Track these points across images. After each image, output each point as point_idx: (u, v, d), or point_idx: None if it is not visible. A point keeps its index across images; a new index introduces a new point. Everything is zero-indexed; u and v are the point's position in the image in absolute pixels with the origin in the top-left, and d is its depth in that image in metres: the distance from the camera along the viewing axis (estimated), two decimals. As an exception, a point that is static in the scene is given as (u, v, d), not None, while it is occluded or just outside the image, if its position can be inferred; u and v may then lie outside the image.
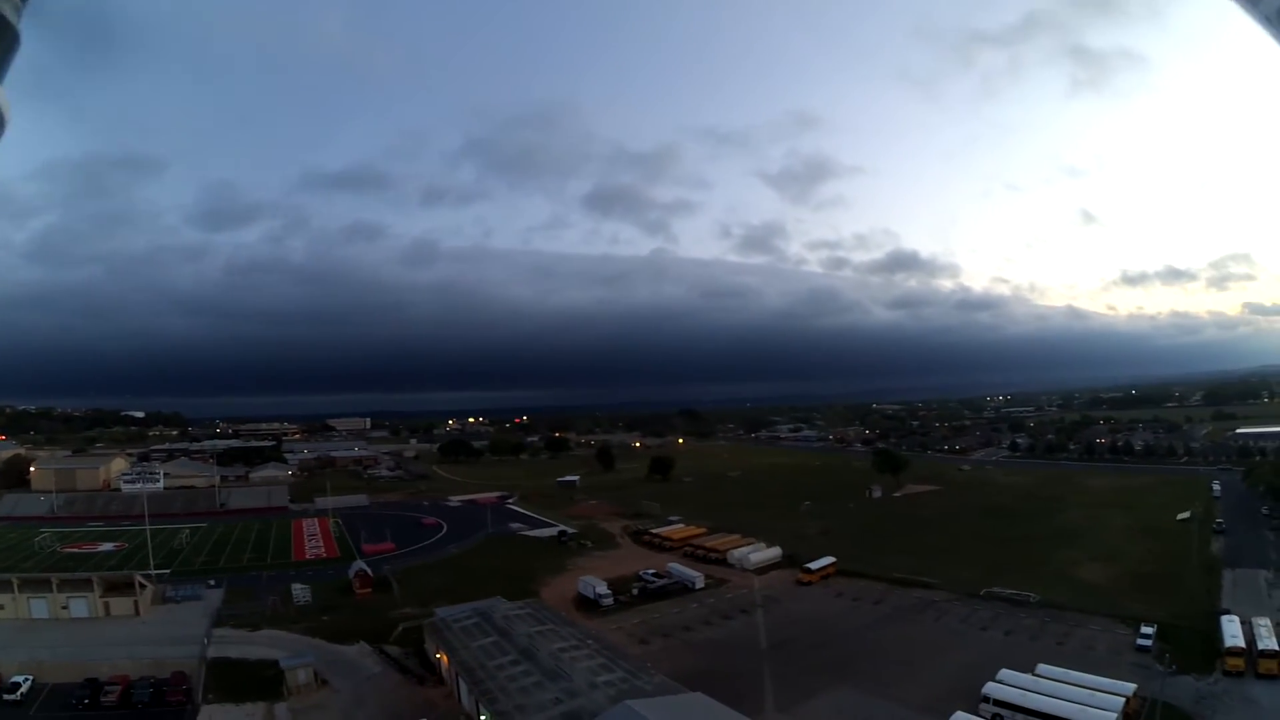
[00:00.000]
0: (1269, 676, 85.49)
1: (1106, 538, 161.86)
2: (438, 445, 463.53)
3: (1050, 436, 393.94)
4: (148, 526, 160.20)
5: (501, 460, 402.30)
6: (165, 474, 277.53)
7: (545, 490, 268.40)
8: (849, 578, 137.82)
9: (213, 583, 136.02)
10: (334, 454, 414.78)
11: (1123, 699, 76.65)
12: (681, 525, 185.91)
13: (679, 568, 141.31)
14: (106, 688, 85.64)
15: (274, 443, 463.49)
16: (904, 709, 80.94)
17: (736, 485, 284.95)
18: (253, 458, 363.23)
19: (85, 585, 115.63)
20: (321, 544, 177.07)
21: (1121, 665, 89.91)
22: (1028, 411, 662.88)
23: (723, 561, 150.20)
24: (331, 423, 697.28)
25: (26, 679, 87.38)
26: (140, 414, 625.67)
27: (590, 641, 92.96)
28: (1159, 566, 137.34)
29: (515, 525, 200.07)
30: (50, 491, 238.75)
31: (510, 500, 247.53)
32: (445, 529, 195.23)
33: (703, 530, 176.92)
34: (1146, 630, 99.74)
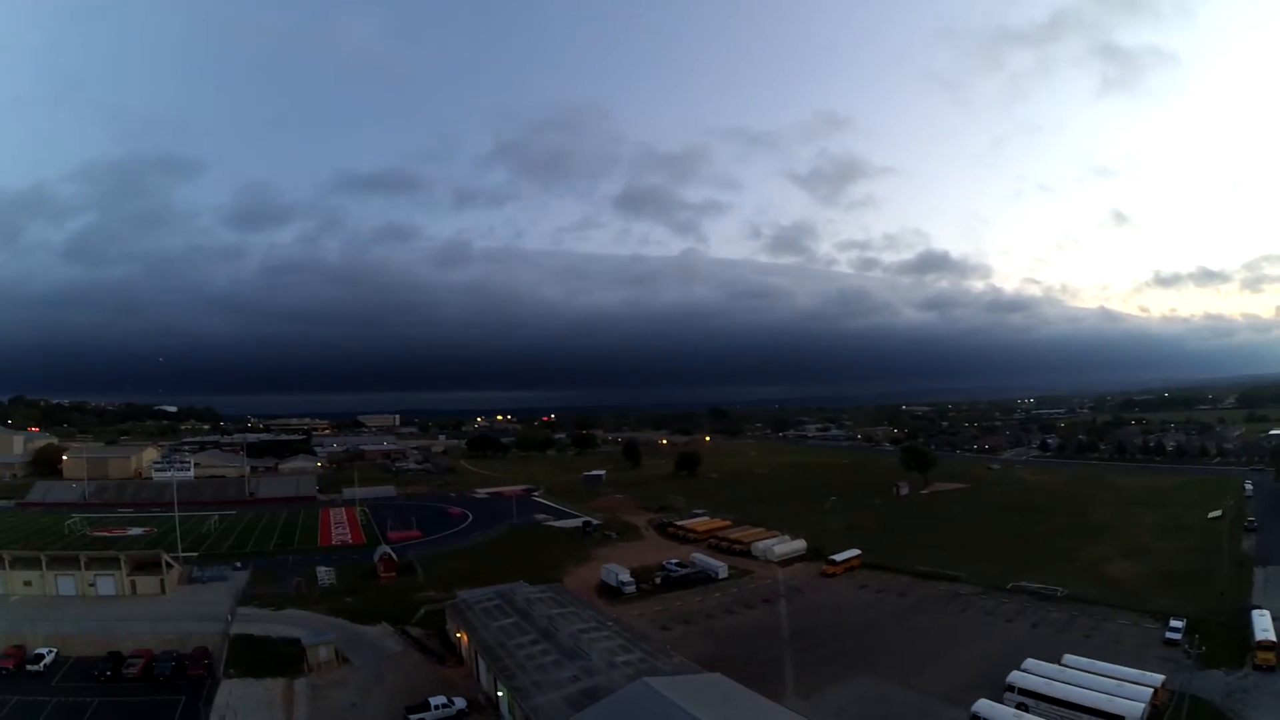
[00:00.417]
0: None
1: (1136, 535, 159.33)
2: (465, 441, 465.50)
3: (1081, 437, 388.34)
4: (176, 513, 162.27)
5: (528, 456, 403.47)
6: (196, 464, 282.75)
7: (571, 485, 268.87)
8: (873, 570, 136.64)
9: (239, 565, 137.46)
10: (363, 448, 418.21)
11: (1150, 689, 75.00)
12: (706, 518, 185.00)
13: (703, 557, 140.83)
14: (129, 661, 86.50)
15: (304, 437, 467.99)
16: (926, 697, 79.70)
17: (762, 481, 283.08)
18: (282, 450, 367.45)
19: (113, 564, 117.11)
20: (348, 531, 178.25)
21: (1150, 659, 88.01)
22: (1058, 413, 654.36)
23: (747, 553, 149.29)
24: (361, 419, 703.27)
25: (50, 651, 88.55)
26: (173, 409, 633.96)
27: (610, 624, 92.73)
28: (1189, 564, 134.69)
29: (540, 516, 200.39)
30: (82, 479, 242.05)
31: (536, 493, 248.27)
32: (470, 519, 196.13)
33: (727, 523, 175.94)
34: (1175, 624, 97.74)
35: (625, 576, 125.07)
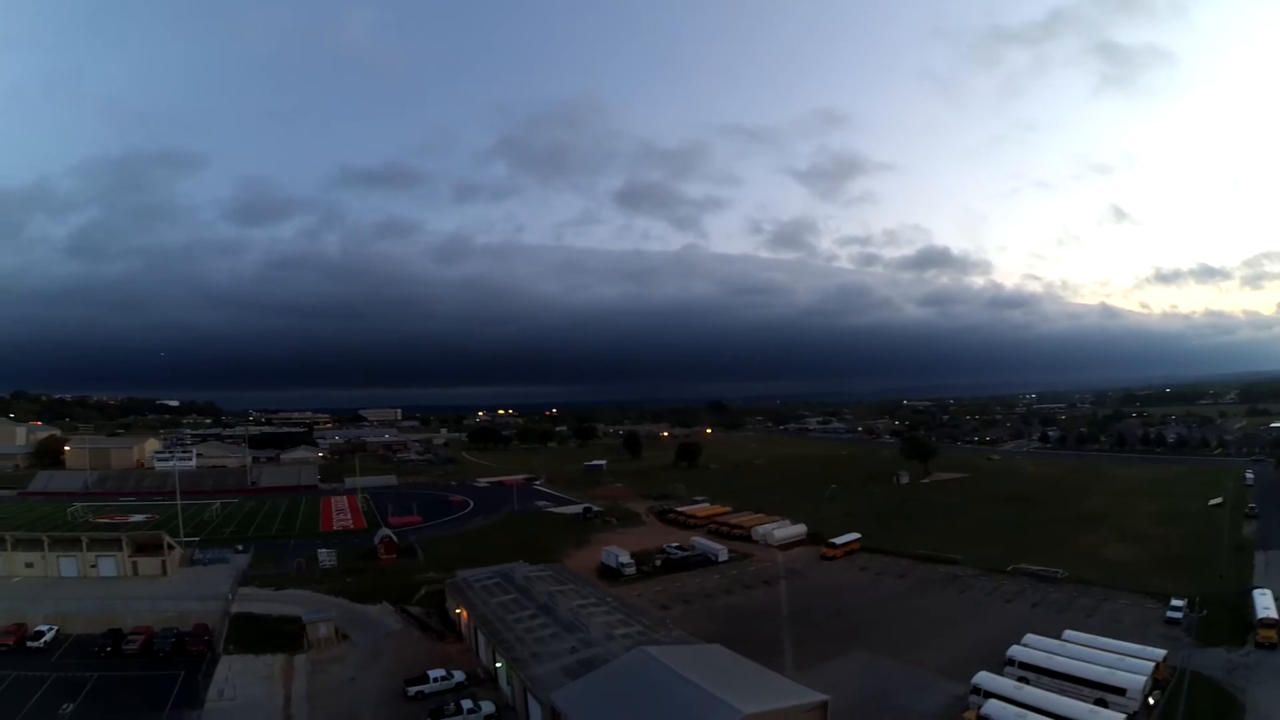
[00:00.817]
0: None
1: (1135, 521, 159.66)
2: (466, 434, 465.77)
3: (1081, 429, 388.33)
4: (179, 501, 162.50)
5: (530, 448, 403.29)
6: (198, 454, 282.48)
7: (572, 474, 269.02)
8: (873, 554, 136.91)
9: (240, 548, 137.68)
10: (364, 440, 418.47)
11: (1152, 664, 74.92)
12: (706, 505, 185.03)
13: (703, 541, 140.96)
14: (129, 638, 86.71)
15: (305, 430, 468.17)
16: (925, 671, 79.79)
17: (762, 472, 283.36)
18: (284, 442, 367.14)
19: (114, 545, 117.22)
20: (349, 517, 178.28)
21: (1151, 637, 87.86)
22: (1059, 408, 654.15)
23: (746, 538, 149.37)
24: (363, 413, 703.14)
25: (51, 629, 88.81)
26: (175, 402, 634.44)
27: (609, 599, 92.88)
28: (1189, 548, 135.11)
29: (541, 503, 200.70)
30: (84, 469, 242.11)
31: (537, 482, 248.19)
32: (472, 506, 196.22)
33: (727, 509, 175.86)
34: (1177, 603, 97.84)
35: (625, 558, 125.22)
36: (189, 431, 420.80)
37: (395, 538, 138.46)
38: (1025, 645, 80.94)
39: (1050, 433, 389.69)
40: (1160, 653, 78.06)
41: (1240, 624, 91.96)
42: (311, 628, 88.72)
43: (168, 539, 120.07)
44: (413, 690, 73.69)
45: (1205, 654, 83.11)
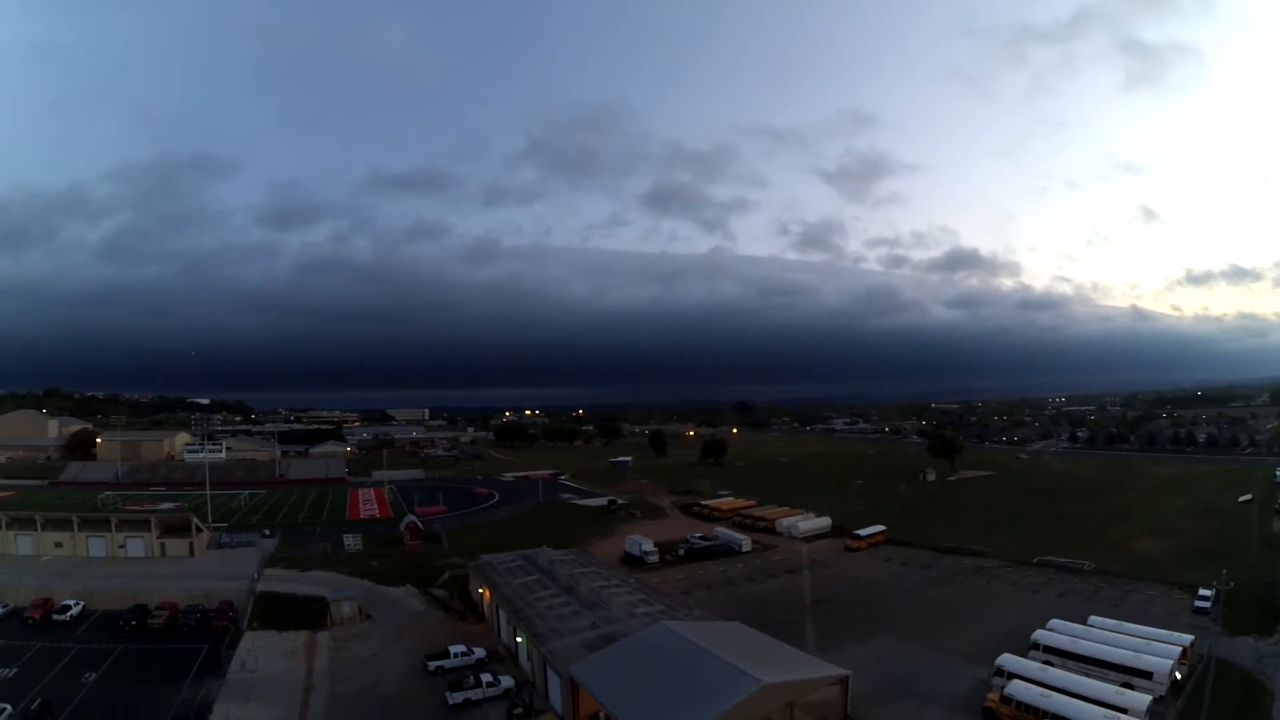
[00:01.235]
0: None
1: (1164, 516, 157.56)
2: (493, 432, 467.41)
3: (1111, 429, 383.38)
4: (208, 491, 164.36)
5: (556, 446, 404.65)
6: (227, 447, 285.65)
7: (597, 471, 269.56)
8: (898, 546, 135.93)
9: (267, 533, 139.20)
10: (392, 436, 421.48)
11: (1179, 649, 73.86)
12: (731, 498, 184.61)
13: (726, 532, 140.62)
14: (154, 612, 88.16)
15: (334, 427, 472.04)
16: (949, 656, 79.06)
17: (788, 469, 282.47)
18: (313, 439, 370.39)
19: (143, 526, 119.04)
20: (376, 507, 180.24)
21: (1178, 626, 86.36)
22: (1088, 410, 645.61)
23: (771, 530, 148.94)
24: (391, 413, 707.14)
25: (78, 604, 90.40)
26: (205, 401, 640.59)
27: (632, 581, 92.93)
28: (1218, 542, 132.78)
29: (566, 496, 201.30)
30: (115, 461, 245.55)
31: (562, 477, 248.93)
32: (497, 498, 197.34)
33: (751, 503, 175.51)
34: (1205, 593, 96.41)
35: (648, 547, 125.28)
36: (220, 427, 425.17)
37: (420, 524, 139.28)
38: (1050, 629, 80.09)
39: (1079, 433, 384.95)
40: (1187, 638, 76.93)
41: (1270, 614, 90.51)
42: (335, 606, 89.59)
43: (195, 521, 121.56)
44: (433, 665, 74.21)
45: (1233, 642, 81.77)
